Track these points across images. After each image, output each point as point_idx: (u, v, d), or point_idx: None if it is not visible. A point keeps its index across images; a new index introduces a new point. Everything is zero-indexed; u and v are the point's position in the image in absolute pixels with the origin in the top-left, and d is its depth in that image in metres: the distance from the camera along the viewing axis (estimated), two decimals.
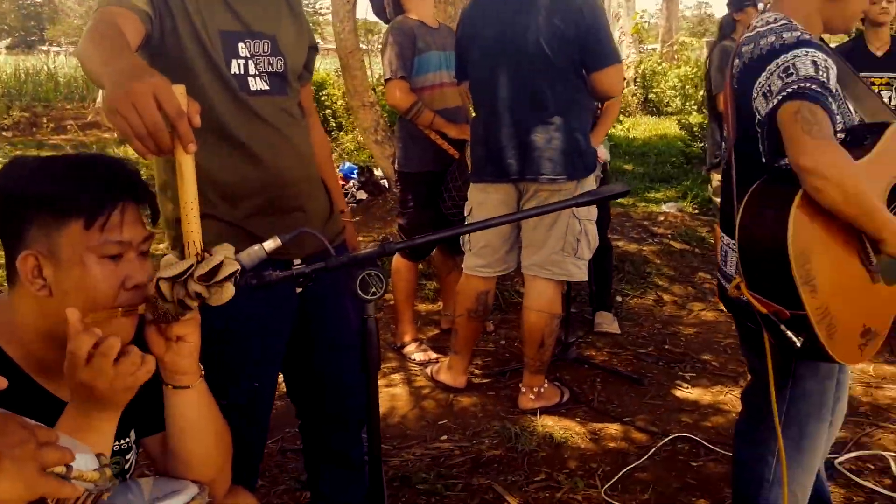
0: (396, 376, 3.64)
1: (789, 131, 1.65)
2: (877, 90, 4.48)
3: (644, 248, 5.57)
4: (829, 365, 1.88)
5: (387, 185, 6.86)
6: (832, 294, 1.68)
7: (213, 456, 1.38)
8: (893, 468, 2.73)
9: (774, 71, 1.73)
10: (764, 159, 1.82)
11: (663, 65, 14.66)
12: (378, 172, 7.12)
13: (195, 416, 1.34)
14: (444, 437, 3.03)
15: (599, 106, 3.85)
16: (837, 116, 1.77)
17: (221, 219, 1.70)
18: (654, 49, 17.55)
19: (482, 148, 3.11)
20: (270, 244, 1.25)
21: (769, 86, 1.74)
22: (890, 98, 4.54)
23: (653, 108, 14.21)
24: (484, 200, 3.16)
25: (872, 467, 2.77)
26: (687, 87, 13.76)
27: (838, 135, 1.78)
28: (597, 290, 4.24)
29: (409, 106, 3.59)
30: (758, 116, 1.79)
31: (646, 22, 15.89)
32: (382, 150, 6.16)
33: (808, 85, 1.67)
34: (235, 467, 1.45)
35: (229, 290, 1.16)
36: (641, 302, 4.69)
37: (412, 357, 3.83)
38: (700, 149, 8.01)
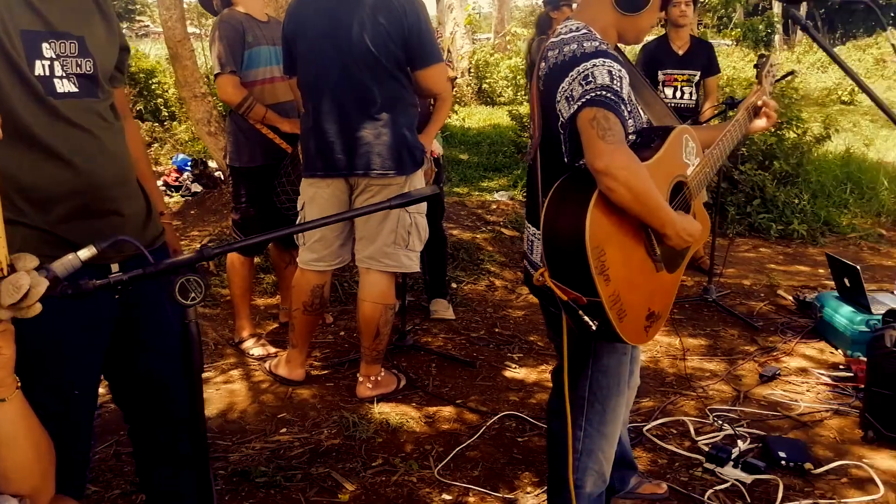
0: (235, 372, 3.63)
1: (586, 135, 1.82)
2: (679, 85, 4.90)
3: (477, 236, 5.80)
4: (623, 343, 2.08)
5: (222, 178, 6.73)
6: (623, 282, 1.87)
7: (33, 467, 1.37)
8: (692, 431, 3.05)
9: (576, 77, 1.89)
10: (566, 159, 1.98)
11: (496, 55, 15.12)
12: (213, 164, 6.96)
13: (12, 428, 1.32)
14: (284, 430, 3.07)
15: (432, 103, 3.99)
16: (630, 121, 1.97)
17: (32, 225, 1.65)
18: (488, 39, 18.04)
19: (312, 143, 3.16)
20: (85, 253, 1.25)
21: (571, 91, 1.90)
22: (691, 93, 4.97)
23: (486, 98, 14.64)
24: (315, 195, 3.21)
25: (675, 431, 3.08)
26: (518, 77, 14.27)
27: (630, 137, 1.98)
28: (432, 278, 4.40)
29: (241, 101, 3.56)
30: (560, 119, 1.94)
31: (477, 13, 16.29)
32: (216, 142, 6.04)
33: (603, 93, 1.84)
34: (60, 476, 1.44)
35: (37, 307, 1.17)
36: (475, 288, 4.90)
37: (251, 352, 3.83)
38: (529, 138, 8.39)
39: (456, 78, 4.52)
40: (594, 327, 1.87)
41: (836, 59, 1.84)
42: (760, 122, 2.31)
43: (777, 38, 28.27)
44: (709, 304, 4.53)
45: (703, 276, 4.83)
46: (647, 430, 3.04)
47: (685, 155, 2.09)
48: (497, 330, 4.19)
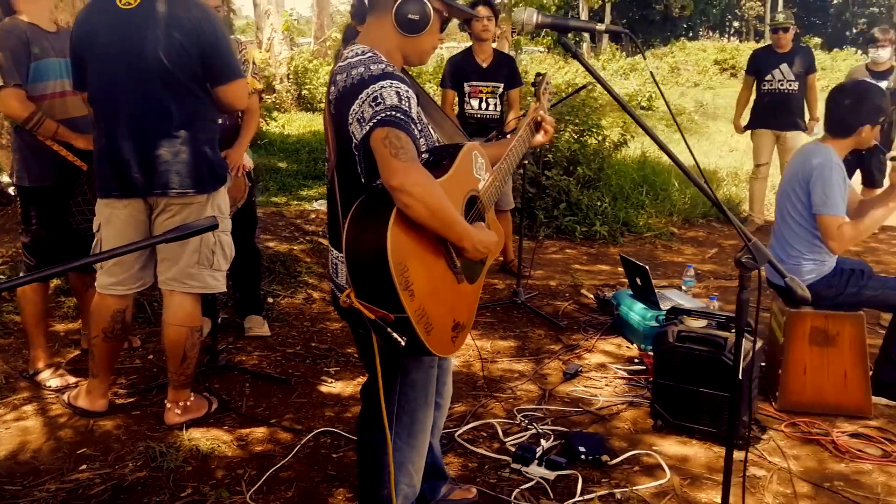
0: (28, 407, 3.37)
1: (380, 154, 1.87)
2: (484, 97, 5.09)
3: (295, 248, 5.73)
4: (432, 356, 2.14)
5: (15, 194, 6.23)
6: (427, 296, 1.93)
7: None
8: (500, 433, 3.18)
9: (365, 100, 1.93)
10: (363, 179, 2.02)
11: (315, 62, 14.99)
12: (5, 179, 6.42)
13: None
14: (84, 467, 2.89)
15: (240, 115, 3.92)
16: (421, 139, 2.03)
17: None
18: (310, 44, 17.83)
19: (106, 163, 3.00)
20: None
21: (362, 113, 1.94)
22: (496, 104, 5.18)
23: (306, 104, 14.50)
24: (112, 216, 3.05)
25: (485, 434, 3.19)
26: None
27: (423, 156, 2.04)
28: (244, 294, 4.30)
29: (28, 116, 3.32)
30: (354, 140, 1.98)
31: (295, 20, 16.06)
32: (7, 156, 5.57)
33: (393, 113, 1.90)
34: None
35: None
36: (292, 301, 4.84)
37: (47, 384, 3.57)
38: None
39: (263, 90, 4.46)
40: (403, 343, 1.91)
41: (601, 83, 1.99)
42: (539, 137, 2.46)
43: (585, 46, 30.05)
44: (518, 307, 4.73)
45: (514, 279, 5.03)
46: (458, 436, 3.13)
47: (476, 170, 2.19)
48: (314, 344, 4.17)
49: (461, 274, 2.09)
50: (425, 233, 1.93)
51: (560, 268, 5.78)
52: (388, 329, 1.90)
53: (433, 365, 2.23)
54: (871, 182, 6.57)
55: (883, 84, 6.42)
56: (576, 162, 7.10)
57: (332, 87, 2.04)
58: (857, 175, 6.61)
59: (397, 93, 1.93)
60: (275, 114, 11.92)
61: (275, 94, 13.95)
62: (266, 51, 14.54)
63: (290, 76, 14.46)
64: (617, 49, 30.02)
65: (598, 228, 6.63)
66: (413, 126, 1.93)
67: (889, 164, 3.40)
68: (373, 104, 1.91)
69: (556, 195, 6.83)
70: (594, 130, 7.38)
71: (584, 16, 31.32)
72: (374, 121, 1.89)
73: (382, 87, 1.93)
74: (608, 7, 33.37)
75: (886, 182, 3.46)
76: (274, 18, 14.73)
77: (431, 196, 1.85)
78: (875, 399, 3.46)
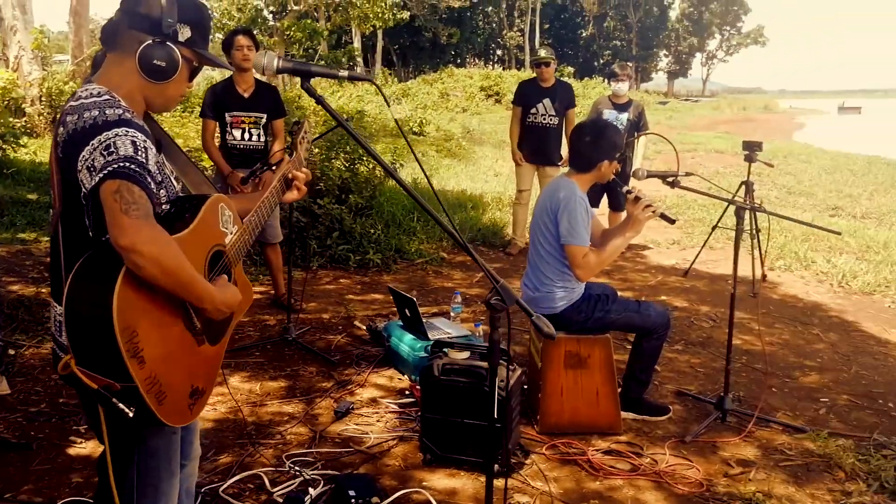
0: None
1: (109, 209, 1.71)
2: (247, 127, 4.96)
3: (43, 290, 5.23)
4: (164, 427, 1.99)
5: None
6: (160, 363, 1.79)
7: None
8: (267, 484, 3.05)
9: (97, 147, 1.76)
10: (91, 232, 1.84)
11: (71, 83, 13.86)
12: None
13: None
14: None
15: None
16: (162, 191, 1.90)
17: None
18: (67, 61, 16.45)
19: None
20: None
21: (92, 161, 1.77)
22: (259, 135, 5.07)
23: None
24: None
25: (252, 486, 3.05)
26: None
27: (163, 207, 1.91)
28: None
29: None
30: (83, 190, 1.80)
31: (46, 37, 14.74)
32: None
33: (127, 165, 1.74)
34: None
35: None
36: (38, 352, 4.38)
37: None
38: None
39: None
40: (131, 414, 1.75)
41: (347, 129, 1.99)
42: (292, 195, 2.38)
43: (359, 69, 30.47)
44: (290, 343, 4.61)
45: (285, 314, 4.91)
46: (222, 491, 2.96)
47: (222, 223, 2.08)
48: (62, 400, 3.79)
49: (202, 335, 1.97)
50: (160, 293, 1.78)
51: (334, 299, 5.73)
52: (114, 399, 1.74)
53: (175, 430, 2.08)
54: (616, 206, 7.17)
55: (624, 115, 7.06)
56: (348, 190, 7.12)
57: (62, 129, 1.84)
58: (605, 199, 7.21)
59: (133, 142, 1.78)
60: (24, 139, 10.90)
61: (25, 118, 12.77)
62: (13, 70, 13.27)
63: (43, 98, 13.25)
64: (389, 74, 30.70)
65: (372, 256, 6.67)
66: (149, 179, 1.79)
67: (628, 196, 3.69)
68: (105, 153, 1.75)
69: (329, 224, 6.79)
70: (365, 158, 7.44)
71: (356, 41, 31.75)
72: (106, 171, 1.73)
73: (117, 134, 1.77)
74: (380, 33, 34.04)
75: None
76: (21, 36, 13.44)
77: (166, 256, 1.72)
78: (624, 414, 3.74)
